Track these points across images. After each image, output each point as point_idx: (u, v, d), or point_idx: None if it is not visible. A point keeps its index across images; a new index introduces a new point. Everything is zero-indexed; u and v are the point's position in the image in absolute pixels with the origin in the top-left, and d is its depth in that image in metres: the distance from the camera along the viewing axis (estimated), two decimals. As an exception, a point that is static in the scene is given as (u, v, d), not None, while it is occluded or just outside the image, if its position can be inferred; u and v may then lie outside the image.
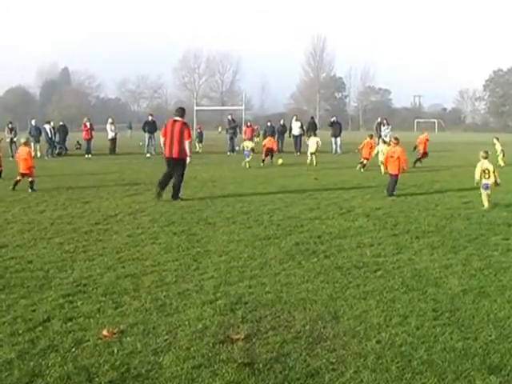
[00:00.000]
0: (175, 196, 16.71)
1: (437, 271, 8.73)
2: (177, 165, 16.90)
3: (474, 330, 6.35)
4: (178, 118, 17.10)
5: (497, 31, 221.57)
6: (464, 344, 5.96)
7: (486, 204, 14.96)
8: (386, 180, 18.29)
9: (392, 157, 17.61)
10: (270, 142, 30.49)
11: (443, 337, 6.15)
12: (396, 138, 18.24)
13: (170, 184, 16.61)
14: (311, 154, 29.73)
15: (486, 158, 15.40)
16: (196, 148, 41.65)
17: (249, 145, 30.23)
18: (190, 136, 17.15)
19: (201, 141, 43.01)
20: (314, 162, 29.29)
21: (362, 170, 26.10)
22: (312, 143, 30.00)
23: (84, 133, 38.71)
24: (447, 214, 13.87)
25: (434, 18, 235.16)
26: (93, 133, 38.65)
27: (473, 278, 8.41)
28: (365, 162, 26.43)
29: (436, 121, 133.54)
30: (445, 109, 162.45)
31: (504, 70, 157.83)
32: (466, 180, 21.55)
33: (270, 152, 29.83)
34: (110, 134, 39.88)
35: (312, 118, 45.76)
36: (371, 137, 27.97)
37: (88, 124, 38.56)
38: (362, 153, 27.23)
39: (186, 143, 16.81)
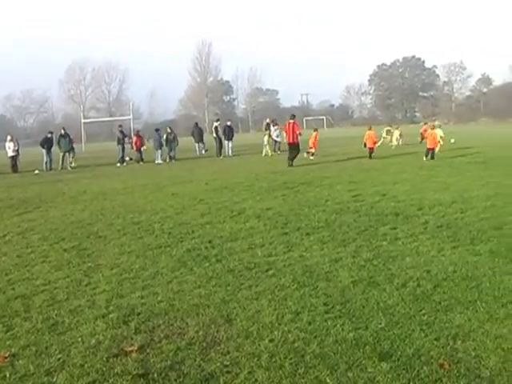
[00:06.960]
0: (292, 163, 27.76)
1: (327, 265, 8.88)
2: (294, 146, 28.43)
3: (364, 320, 6.49)
4: (291, 121, 28.96)
5: (379, 27, 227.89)
6: (355, 334, 6.09)
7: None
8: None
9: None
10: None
11: (335, 329, 6.26)
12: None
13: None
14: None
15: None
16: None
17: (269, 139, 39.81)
18: (299, 129, 29.28)
19: (73, 156, 40.65)
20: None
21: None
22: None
23: (-32, 153, 37.51)
24: (337, 208, 14.14)
25: (316, 16, 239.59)
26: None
27: (362, 269, 8.60)
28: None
29: (324, 117, 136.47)
30: (333, 105, 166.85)
31: (388, 64, 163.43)
32: (354, 173, 22.14)
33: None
34: (9, 152, 38.36)
35: (196, 123, 47.00)
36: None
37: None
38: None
39: (298, 133, 28.58)
